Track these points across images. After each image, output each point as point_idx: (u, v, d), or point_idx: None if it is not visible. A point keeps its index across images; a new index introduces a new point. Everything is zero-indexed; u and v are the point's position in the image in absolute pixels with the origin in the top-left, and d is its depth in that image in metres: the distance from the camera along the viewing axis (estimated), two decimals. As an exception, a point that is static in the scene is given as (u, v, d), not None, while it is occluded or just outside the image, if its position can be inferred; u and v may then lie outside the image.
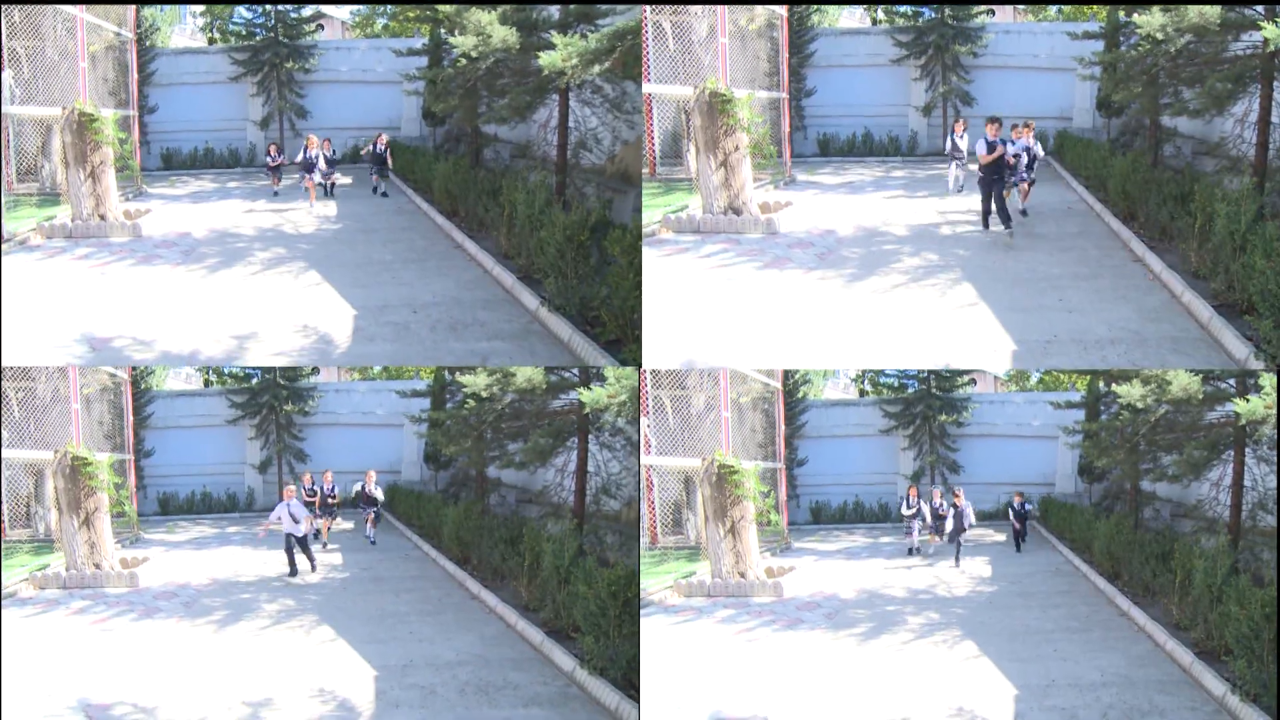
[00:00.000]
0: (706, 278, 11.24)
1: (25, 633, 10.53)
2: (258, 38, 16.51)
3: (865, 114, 16.65)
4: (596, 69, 10.93)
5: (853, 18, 17.16)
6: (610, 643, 8.63)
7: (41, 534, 13.19)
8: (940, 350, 9.70)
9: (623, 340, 9.69)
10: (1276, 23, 10.30)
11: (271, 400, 17.08)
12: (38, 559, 12.62)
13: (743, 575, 12.23)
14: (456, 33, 12.65)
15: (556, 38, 10.88)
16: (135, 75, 15.19)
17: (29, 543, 13.12)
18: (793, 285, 11.12)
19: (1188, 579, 10.21)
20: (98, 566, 12.42)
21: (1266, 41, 10.76)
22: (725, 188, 12.44)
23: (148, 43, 16.06)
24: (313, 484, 14.52)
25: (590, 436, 10.88)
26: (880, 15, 17.00)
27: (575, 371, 10.42)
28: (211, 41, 16.98)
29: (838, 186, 14.72)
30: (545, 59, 10.77)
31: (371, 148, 14.76)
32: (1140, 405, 11.69)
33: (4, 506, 12.95)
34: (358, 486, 14.30)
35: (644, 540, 12.25)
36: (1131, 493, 12.96)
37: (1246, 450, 10.72)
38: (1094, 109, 15.46)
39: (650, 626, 10.85)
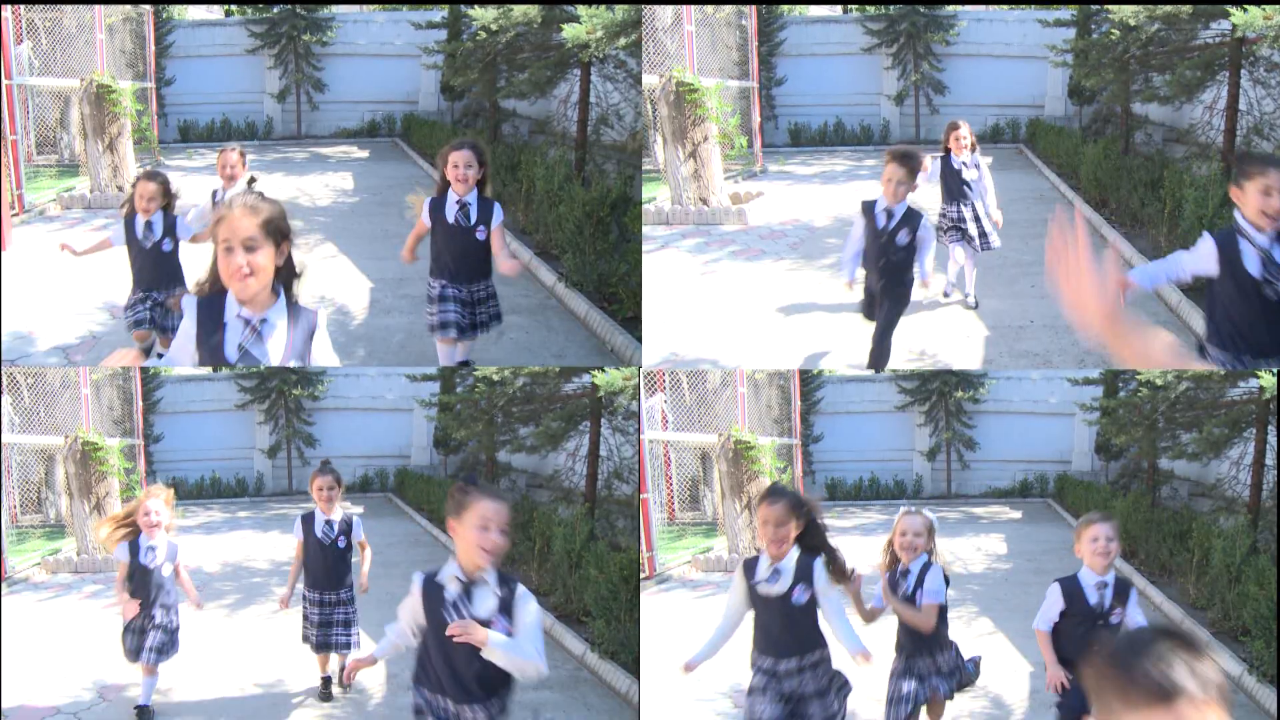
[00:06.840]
0: (679, 270, 11.16)
1: (40, 617, 10.55)
2: (275, 10, 16.39)
3: (837, 103, 16.51)
4: (622, 41, 10.75)
5: (823, 6, 16.97)
6: (622, 627, 8.57)
7: (53, 519, 13.21)
8: (916, 338, 9.61)
9: (639, 317, 9.57)
10: (1244, 9, 10.19)
11: (280, 385, 17.07)
12: (49, 544, 12.65)
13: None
14: (476, 5, 12.52)
15: (581, 9, 10.71)
16: (152, 47, 15.14)
17: (40, 528, 13.15)
18: (765, 276, 11.04)
19: (1205, 558, 10.11)
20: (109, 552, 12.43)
21: (1234, 28, 10.64)
22: (695, 179, 12.31)
23: (165, 14, 15.98)
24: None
25: (603, 420, 10.79)
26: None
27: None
28: (229, 14, 16.84)
29: (810, 176, 14.62)
30: (569, 30, 10.61)
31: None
32: (1160, 382, 11.58)
33: (15, 492, 12.97)
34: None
35: (662, 516, 12.19)
36: (1149, 471, 12.84)
37: (1269, 428, 10.59)
38: (1066, 96, 15.34)
39: (672, 601, 10.84)
